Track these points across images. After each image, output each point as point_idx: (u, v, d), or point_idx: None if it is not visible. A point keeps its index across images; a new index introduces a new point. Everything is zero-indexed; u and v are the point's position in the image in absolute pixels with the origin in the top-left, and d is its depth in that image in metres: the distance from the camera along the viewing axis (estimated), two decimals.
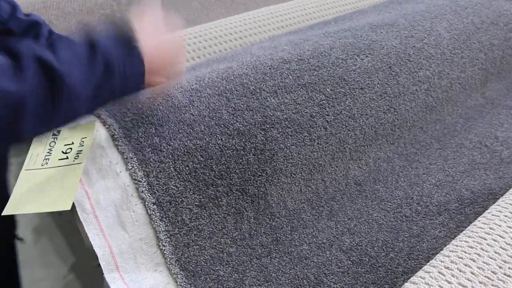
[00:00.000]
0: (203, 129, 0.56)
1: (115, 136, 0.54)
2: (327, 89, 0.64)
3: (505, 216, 0.50)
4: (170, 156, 0.54)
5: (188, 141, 0.55)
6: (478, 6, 0.84)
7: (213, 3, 1.18)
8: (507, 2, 0.86)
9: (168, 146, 0.55)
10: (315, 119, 0.62)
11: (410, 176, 0.67)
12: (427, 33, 0.75)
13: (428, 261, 0.56)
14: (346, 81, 0.66)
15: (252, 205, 0.58)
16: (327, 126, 0.63)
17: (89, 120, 0.57)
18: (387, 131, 0.69)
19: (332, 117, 0.63)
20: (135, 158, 0.53)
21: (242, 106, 0.59)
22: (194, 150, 0.55)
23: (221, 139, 0.57)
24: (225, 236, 0.56)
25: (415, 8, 0.82)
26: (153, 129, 0.55)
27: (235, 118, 0.58)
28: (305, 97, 0.63)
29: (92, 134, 0.54)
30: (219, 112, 0.58)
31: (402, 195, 0.64)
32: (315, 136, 0.62)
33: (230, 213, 0.57)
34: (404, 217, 0.61)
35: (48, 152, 0.54)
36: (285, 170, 0.60)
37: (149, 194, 0.52)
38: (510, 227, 0.49)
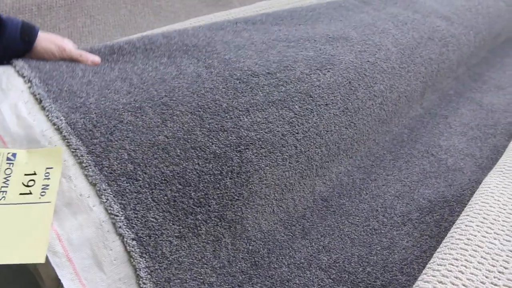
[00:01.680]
0: (179, 153, 0.53)
1: (84, 164, 0.49)
2: (296, 106, 0.63)
3: (477, 225, 0.53)
4: (147, 185, 0.50)
5: (165, 168, 0.51)
6: (415, 22, 0.88)
7: (142, 10, 1.11)
8: (438, 19, 0.92)
9: (144, 174, 0.50)
10: (286, 137, 0.61)
11: (371, 188, 0.69)
12: (377, 47, 0.78)
13: (402, 272, 0.58)
14: (312, 98, 0.65)
15: (230, 231, 0.56)
16: (297, 145, 0.62)
17: (50, 139, 0.50)
18: (348, 145, 0.70)
19: (302, 135, 0.63)
20: (110, 190, 0.48)
21: (216, 126, 0.56)
22: (172, 177, 0.51)
23: (198, 164, 0.53)
24: (205, 266, 0.53)
25: (363, 20, 0.84)
26: (126, 154, 0.50)
27: (210, 140, 0.55)
28: (276, 115, 0.61)
29: (60, 165, 0.48)
30: (193, 134, 0.55)
31: (367, 208, 0.66)
32: (286, 155, 0.61)
33: (209, 241, 0.54)
34: (373, 230, 0.63)
35: (4, 183, 0.47)
36: (260, 192, 0.59)
37: (127, 229, 0.48)
38: (484, 236, 0.52)
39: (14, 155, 0.49)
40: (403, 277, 0.57)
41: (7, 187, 0.47)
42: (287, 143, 0.61)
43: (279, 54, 0.69)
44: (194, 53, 0.66)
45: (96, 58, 0.62)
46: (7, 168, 0.48)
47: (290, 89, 0.64)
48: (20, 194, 0.47)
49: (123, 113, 0.54)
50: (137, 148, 0.51)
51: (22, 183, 0.47)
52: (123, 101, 0.55)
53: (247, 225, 0.57)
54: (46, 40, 0.59)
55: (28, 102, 0.52)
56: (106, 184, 0.48)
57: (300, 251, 0.59)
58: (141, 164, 0.50)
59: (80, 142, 0.50)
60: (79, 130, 0.51)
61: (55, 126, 0.50)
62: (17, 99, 0.51)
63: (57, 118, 0.51)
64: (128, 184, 0.49)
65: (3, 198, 0.46)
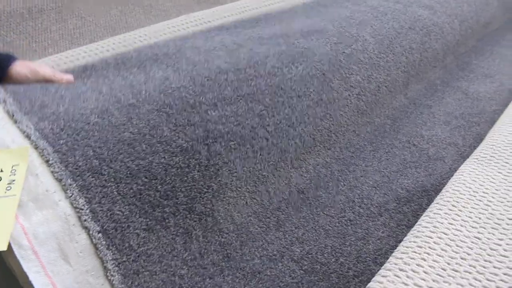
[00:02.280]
0: (144, 148, 0.54)
1: (50, 162, 0.50)
2: (266, 99, 0.64)
3: (445, 213, 0.53)
4: (113, 180, 0.51)
5: (130, 162, 0.53)
6: (396, 12, 0.88)
7: (132, 10, 1.13)
8: (420, 8, 0.92)
9: (110, 169, 0.51)
10: (256, 130, 0.62)
11: (349, 179, 0.69)
12: (354, 39, 0.78)
13: (376, 263, 0.58)
14: (283, 90, 0.66)
15: (200, 223, 0.57)
16: (269, 137, 0.63)
17: (20, 145, 0.52)
18: (324, 137, 0.70)
19: (273, 127, 0.63)
20: (75, 184, 0.49)
21: (183, 121, 0.57)
22: (137, 171, 0.52)
23: (164, 158, 0.54)
24: (175, 258, 0.54)
25: (341, 14, 0.84)
26: (91, 151, 0.52)
27: (177, 135, 0.56)
28: (245, 108, 0.62)
29: (26, 161, 0.50)
30: (160, 129, 0.56)
31: (344, 199, 0.66)
32: (257, 147, 0.62)
33: (178, 233, 0.55)
34: (348, 221, 0.63)
35: None
36: (231, 184, 0.59)
37: (93, 222, 0.49)
38: (451, 224, 0.52)
39: None
40: (377, 267, 0.57)
41: None
42: (258, 135, 0.62)
43: (250, 52, 0.70)
44: (164, 61, 0.67)
45: (70, 77, 0.64)
46: None
47: (260, 83, 0.65)
48: None
49: (90, 116, 0.55)
50: (102, 145, 0.52)
51: None
52: (90, 106, 0.57)
53: (219, 218, 0.58)
54: (20, 65, 0.63)
55: (2, 118, 0.54)
56: (72, 179, 0.49)
57: (273, 243, 0.60)
58: (107, 160, 0.52)
59: (47, 143, 0.51)
60: (46, 134, 0.52)
61: (25, 134, 0.52)
62: None
63: (27, 127, 0.53)
64: (94, 178, 0.50)
65: None
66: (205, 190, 0.57)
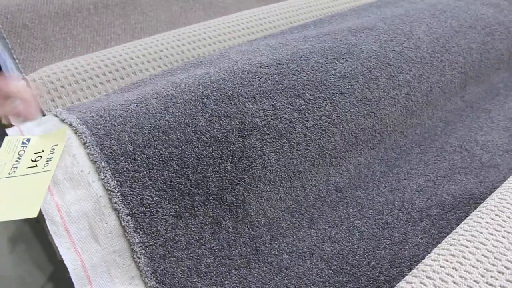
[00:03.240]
0: (178, 136, 0.55)
1: (87, 144, 0.52)
2: (307, 94, 0.63)
3: (487, 222, 0.49)
4: (145, 165, 0.52)
5: (164, 149, 0.54)
6: (456, 10, 0.83)
7: (193, 6, 1.16)
8: (484, 6, 0.86)
9: (143, 155, 0.53)
10: (294, 125, 0.61)
11: (391, 181, 0.66)
12: (406, 36, 0.75)
13: (411, 269, 0.55)
14: (325, 86, 0.64)
15: (230, 214, 0.57)
16: (307, 132, 0.62)
17: (59, 127, 0.55)
18: (368, 136, 0.68)
19: (312, 123, 0.62)
20: (108, 167, 0.51)
21: (219, 112, 0.58)
22: (170, 159, 0.53)
23: (198, 147, 0.55)
24: (203, 246, 0.54)
25: (394, 12, 0.81)
26: (127, 136, 0.53)
27: (212, 125, 0.56)
28: (284, 102, 0.61)
29: (63, 141, 0.52)
30: (195, 119, 0.56)
31: (383, 201, 0.63)
32: (294, 142, 0.61)
33: (207, 223, 0.55)
34: (385, 224, 0.60)
35: (16, 161, 0.52)
36: (264, 177, 0.59)
37: (122, 205, 0.50)
38: (491, 234, 0.48)
39: (28, 140, 0.54)
40: None
41: (18, 163, 0.52)
42: (295, 130, 0.61)
43: (294, 48, 0.69)
44: (207, 64, 0.69)
45: (29, 93, 0.65)
46: (21, 150, 0.53)
47: (302, 78, 0.64)
48: (28, 167, 0.51)
49: (129, 105, 0.57)
50: (138, 131, 0.54)
51: (31, 159, 0.52)
52: (131, 99, 0.59)
53: (250, 210, 0.58)
54: None
55: (50, 119, 0.58)
56: (106, 162, 0.51)
57: (304, 240, 0.58)
58: (141, 146, 0.53)
59: (86, 128, 0.54)
60: (86, 120, 0.55)
61: (67, 122, 0.55)
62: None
63: (72, 118, 0.56)
64: (126, 163, 0.52)
65: (14, 172, 0.51)
66: (237, 181, 0.57)
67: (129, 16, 1.06)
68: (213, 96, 0.59)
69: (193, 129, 0.56)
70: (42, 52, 0.95)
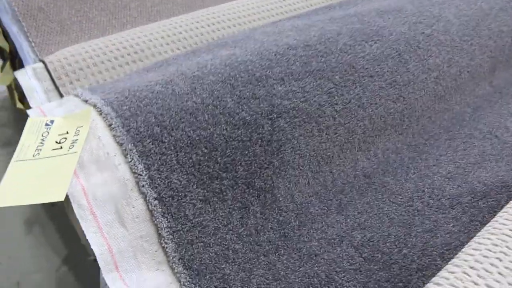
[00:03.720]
0: (206, 118, 0.53)
1: (112, 126, 0.50)
2: (336, 77, 0.61)
3: None
4: (172, 148, 0.51)
5: (192, 131, 0.52)
6: None
7: None
8: None
9: (170, 137, 0.51)
10: (323, 108, 0.59)
11: (420, 168, 0.64)
12: (435, 19, 0.72)
13: (443, 258, 0.54)
14: (355, 69, 0.62)
15: (259, 199, 0.55)
16: (336, 116, 0.60)
17: (82, 108, 0.54)
18: (396, 121, 0.66)
19: (341, 106, 0.60)
20: (135, 150, 0.49)
21: (247, 94, 0.56)
22: (198, 141, 0.52)
23: (226, 130, 0.53)
24: (231, 232, 0.53)
25: None
26: (153, 118, 0.52)
27: (240, 107, 0.55)
28: (313, 85, 0.59)
29: (88, 122, 0.51)
30: (223, 101, 0.54)
31: (412, 187, 0.61)
32: (323, 126, 0.59)
33: (235, 207, 0.53)
34: (416, 211, 0.58)
35: (40, 143, 0.50)
36: (293, 162, 0.57)
37: (150, 189, 0.49)
38: None
39: (52, 121, 0.52)
40: (443, 262, 0.53)
41: (42, 145, 0.50)
42: (324, 113, 0.59)
43: (321, 30, 0.67)
44: (232, 44, 0.66)
45: None
46: (45, 132, 0.51)
47: (330, 60, 0.62)
48: (52, 149, 0.50)
49: (155, 86, 0.55)
50: (164, 113, 0.52)
51: (55, 141, 0.50)
52: (156, 79, 0.57)
53: (278, 195, 0.56)
54: None
55: (72, 100, 0.57)
56: (132, 144, 0.49)
57: (333, 227, 0.57)
58: (168, 127, 0.51)
59: (111, 109, 0.52)
60: (111, 101, 0.53)
61: (91, 103, 0.54)
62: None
63: (96, 99, 0.54)
64: (154, 145, 0.50)
65: (38, 154, 0.49)
66: (265, 165, 0.55)
67: None
68: (241, 77, 0.57)
69: (221, 111, 0.54)
70: (58, 35, 0.93)
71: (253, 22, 0.91)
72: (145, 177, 0.49)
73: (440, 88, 0.70)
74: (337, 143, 0.60)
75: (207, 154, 0.52)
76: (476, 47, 0.74)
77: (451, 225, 0.57)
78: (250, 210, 0.54)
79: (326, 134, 0.59)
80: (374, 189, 0.61)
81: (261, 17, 0.92)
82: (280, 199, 0.56)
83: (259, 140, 0.54)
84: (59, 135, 0.50)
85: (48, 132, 0.51)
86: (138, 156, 0.49)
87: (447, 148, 0.67)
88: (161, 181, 0.49)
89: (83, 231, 0.47)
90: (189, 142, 0.51)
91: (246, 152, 0.54)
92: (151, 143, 0.50)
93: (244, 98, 0.55)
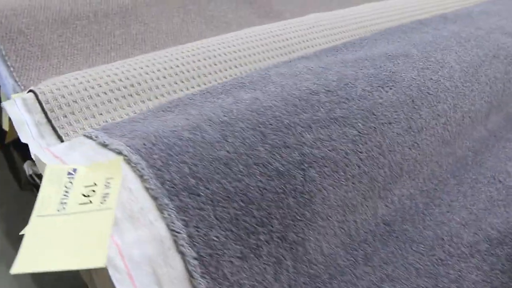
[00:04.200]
0: (241, 169, 0.50)
1: (145, 177, 0.47)
2: (359, 124, 0.60)
3: None
4: (210, 202, 0.48)
5: (227, 183, 0.49)
6: (479, 39, 0.84)
7: (194, 19, 1.11)
8: (503, 35, 0.88)
9: (206, 190, 0.48)
10: (349, 156, 0.58)
11: (435, 214, 0.65)
12: (440, 65, 0.74)
13: None
14: (375, 115, 0.62)
15: (291, 253, 0.53)
16: (361, 164, 0.59)
17: (111, 157, 0.49)
18: (410, 167, 0.66)
19: (365, 155, 0.59)
20: (172, 205, 0.46)
21: (278, 143, 0.54)
22: (234, 194, 0.49)
23: (261, 181, 0.51)
24: None
25: (423, 38, 0.81)
26: (187, 168, 0.48)
27: (273, 157, 0.52)
28: (339, 132, 0.58)
29: (119, 174, 0.46)
30: (256, 150, 0.52)
31: (432, 235, 0.62)
32: (349, 175, 0.58)
33: (270, 263, 0.51)
34: (439, 260, 0.58)
35: (64, 195, 0.46)
36: (322, 212, 0.55)
37: (189, 248, 0.45)
38: None
39: (74, 170, 0.48)
40: None
41: (67, 198, 0.45)
42: (351, 162, 0.58)
43: (338, 74, 0.66)
44: (250, 86, 0.65)
45: None
46: (67, 182, 0.47)
47: (352, 106, 0.61)
48: (80, 204, 0.45)
49: (182, 132, 0.52)
50: (198, 163, 0.49)
51: (82, 194, 0.46)
52: (181, 124, 0.54)
53: (309, 248, 0.54)
54: None
55: (93, 147, 0.52)
56: (168, 198, 0.46)
57: (363, 279, 0.56)
58: (203, 179, 0.48)
59: (140, 157, 0.48)
60: (138, 148, 0.49)
61: (116, 151, 0.50)
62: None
63: (117, 145, 0.50)
64: (190, 199, 0.47)
65: (63, 209, 0.45)
66: (298, 218, 0.53)
67: (129, 26, 1.00)
68: (270, 124, 0.55)
69: (254, 161, 0.51)
70: (39, 60, 0.87)
71: (249, 57, 0.90)
72: (184, 235, 0.45)
73: (447, 133, 0.71)
74: (361, 191, 0.60)
75: (244, 208, 0.49)
76: (476, 93, 0.77)
77: (474, 274, 0.57)
78: (283, 265, 0.52)
79: (352, 183, 0.58)
80: (396, 238, 0.61)
81: (256, 52, 0.91)
82: (310, 252, 0.55)
83: (293, 192, 0.53)
84: (85, 186, 0.46)
85: (71, 183, 0.46)
86: (176, 212, 0.46)
87: (457, 193, 0.68)
88: (200, 239, 0.46)
89: None
90: (225, 195, 0.48)
91: (281, 204, 0.51)
92: (187, 196, 0.47)
93: (276, 147, 0.53)
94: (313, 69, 0.68)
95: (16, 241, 0.88)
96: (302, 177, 0.53)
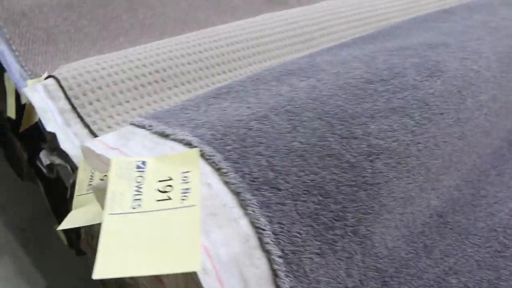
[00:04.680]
0: (316, 161, 0.48)
1: (223, 171, 0.44)
2: (416, 115, 0.59)
3: None
4: (290, 196, 0.45)
5: (305, 176, 0.47)
6: (508, 29, 0.84)
7: (201, 4, 1.07)
8: None
9: (286, 184, 0.45)
10: (409, 147, 0.57)
11: (483, 205, 0.64)
12: (477, 55, 0.73)
13: None
14: (428, 106, 0.61)
15: (361, 247, 0.51)
16: (419, 155, 0.58)
17: (178, 149, 0.46)
18: (458, 158, 0.66)
19: (423, 146, 0.58)
20: (255, 200, 0.43)
21: (347, 133, 0.52)
22: (313, 188, 0.47)
23: (336, 174, 0.49)
24: (340, 285, 0.48)
25: (454, 28, 0.80)
26: (264, 161, 0.45)
27: (344, 148, 0.50)
28: (399, 123, 0.57)
29: (197, 167, 0.43)
30: (327, 141, 0.50)
31: (485, 227, 0.61)
32: (410, 166, 0.56)
33: (343, 257, 0.49)
34: (496, 252, 0.58)
35: (137, 191, 0.42)
36: (387, 205, 0.54)
37: (274, 245, 0.42)
38: None
39: (143, 162, 0.44)
40: None
41: (141, 194, 0.42)
42: (411, 153, 0.56)
43: (386, 62, 0.65)
44: (301, 73, 0.62)
45: None
46: (138, 176, 0.43)
47: (407, 96, 0.60)
48: (157, 200, 0.41)
49: (250, 122, 0.49)
50: (274, 154, 0.46)
51: (158, 189, 0.42)
52: (245, 113, 0.51)
53: (375, 241, 0.53)
54: None
55: (152, 139, 0.49)
56: (250, 193, 0.43)
57: (427, 272, 0.54)
58: (282, 172, 0.46)
59: (214, 149, 0.45)
60: (209, 140, 0.46)
61: (183, 142, 0.46)
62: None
63: (183, 135, 0.47)
64: (272, 194, 0.44)
65: (139, 206, 0.41)
66: (369, 211, 0.51)
67: (136, 10, 0.96)
68: (336, 114, 0.53)
69: (328, 153, 0.49)
70: (45, 45, 0.82)
71: (270, 44, 0.87)
72: (269, 232, 0.43)
73: (488, 124, 0.71)
74: (419, 183, 0.58)
75: (322, 201, 0.47)
76: (511, 83, 0.77)
77: None
78: (354, 260, 0.50)
79: (412, 174, 0.57)
80: (451, 230, 0.60)
81: (277, 39, 0.88)
82: (377, 245, 0.53)
83: (364, 184, 0.51)
84: (159, 181, 0.42)
85: (142, 177, 0.43)
86: (259, 208, 0.43)
87: (500, 184, 0.68)
88: (284, 236, 0.43)
89: None
90: (304, 188, 0.46)
91: (354, 197, 0.49)
92: (269, 191, 0.44)
93: (345, 137, 0.51)
94: (359, 57, 0.66)
95: (18, 232, 0.83)
96: (371, 169, 0.52)
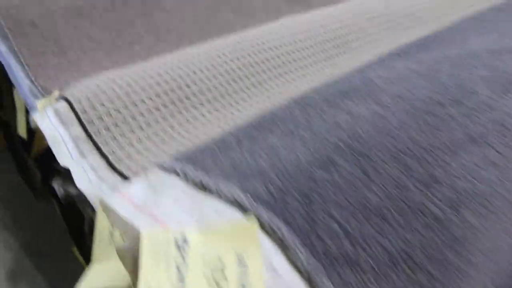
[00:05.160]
0: (398, 219, 0.38)
1: (290, 249, 0.33)
2: (495, 142, 0.49)
3: None
4: (373, 272, 0.35)
5: (387, 242, 0.36)
6: None
7: (219, 6, 0.97)
8: None
9: (367, 257, 0.35)
10: (495, 187, 0.46)
11: None
12: None
13: None
14: (508, 129, 0.51)
15: None
16: (507, 195, 0.47)
17: (226, 213, 0.35)
18: None
19: (510, 183, 0.48)
20: (332, 286, 0.33)
21: (426, 177, 0.41)
22: (398, 257, 0.36)
23: (421, 234, 0.38)
24: None
25: (508, 28, 0.70)
26: (336, 226, 0.35)
27: (428, 199, 0.40)
28: (480, 156, 0.46)
29: (258, 247, 0.33)
30: (407, 190, 0.40)
31: None
32: (500, 212, 0.46)
33: None
34: None
35: (179, 280, 0.31)
36: (477, 264, 0.44)
37: None
38: None
39: (185, 239, 0.33)
40: None
41: (183, 284, 0.31)
42: (499, 194, 0.46)
43: (452, 77, 0.54)
44: (356, 95, 0.51)
45: None
46: (178, 258, 0.32)
47: (484, 120, 0.50)
48: None
49: (311, 169, 0.39)
50: (347, 215, 0.36)
51: (206, 277, 0.32)
52: (303, 155, 0.40)
53: None
54: None
55: (187, 192, 0.38)
56: (326, 277, 0.33)
57: None
58: (360, 241, 0.35)
59: (275, 215, 0.34)
60: (265, 199, 0.35)
61: (232, 201, 0.35)
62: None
63: (229, 191, 0.36)
64: (352, 272, 0.34)
65: None
66: (456, 274, 0.41)
67: (151, 14, 0.84)
68: (410, 151, 0.42)
69: (409, 206, 0.39)
70: (55, 56, 0.72)
71: (297, 52, 0.77)
72: None
73: None
74: (508, 228, 0.48)
75: (410, 275, 0.37)
76: None
77: None
78: None
79: (499, 218, 0.47)
80: None
81: (305, 47, 0.78)
82: None
83: (451, 241, 0.40)
84: (207, 266, 0.32)
85: (183, 259, 0.32)
86: None
87: None
88: None
89: None
90: (389, 260, 0.36)
91: (443, 262, 0.39)
92: (347, 269, 0.34)
93: (425, 183, 0.41)
94: (419, 71, 0.55)
95: (34, 255, 0.77)
96: (458, 221, 0.41)
